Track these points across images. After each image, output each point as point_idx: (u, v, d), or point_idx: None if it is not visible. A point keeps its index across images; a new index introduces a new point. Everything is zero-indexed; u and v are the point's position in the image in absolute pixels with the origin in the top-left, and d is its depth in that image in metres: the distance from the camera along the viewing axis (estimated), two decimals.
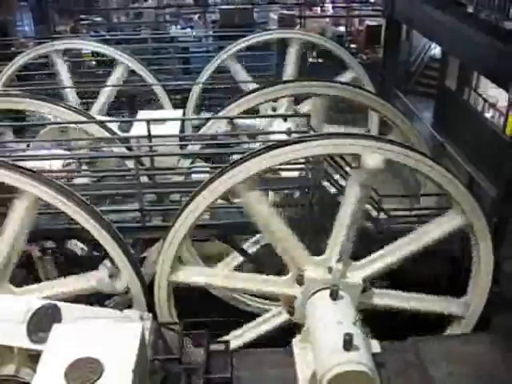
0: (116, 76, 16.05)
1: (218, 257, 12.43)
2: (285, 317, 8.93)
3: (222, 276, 9.44)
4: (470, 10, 13.88)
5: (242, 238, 11.95)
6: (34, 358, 6.72)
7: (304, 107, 14.77)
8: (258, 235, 12.14)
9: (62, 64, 16.18)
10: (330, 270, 8.42)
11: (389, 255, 8.80)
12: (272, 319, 9.42)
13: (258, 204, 8.35)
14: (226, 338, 9.07)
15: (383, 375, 7.34)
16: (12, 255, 8.63)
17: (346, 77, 15.94)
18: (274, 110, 15.16)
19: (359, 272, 8.67)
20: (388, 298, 8.97)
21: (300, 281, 8.46)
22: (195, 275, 9.07)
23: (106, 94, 15.66)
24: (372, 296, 8.83)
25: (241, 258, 12.08)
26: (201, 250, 12.40)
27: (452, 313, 9.28)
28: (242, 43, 16.21)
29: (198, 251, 12.32)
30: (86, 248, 11.46)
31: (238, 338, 9.35)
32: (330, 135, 8.33)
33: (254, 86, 14.87)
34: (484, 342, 8.31)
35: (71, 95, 15.77)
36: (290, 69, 15.99)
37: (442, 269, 10.87)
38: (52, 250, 11.09)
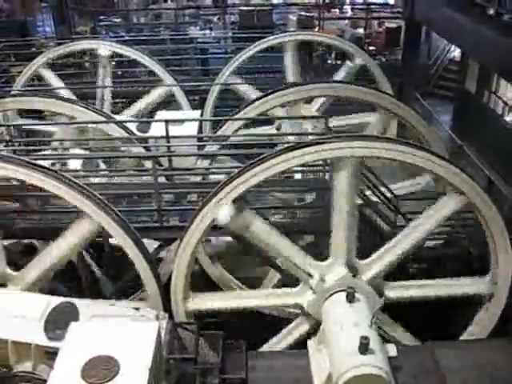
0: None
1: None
2: (308, 325, 8.90)
3: (235, 297, 9.44)
4: (491, 11, 13.78)
5: None
6: (50, 355, 6.77)
7: (314, 106, 14.74)
8: None
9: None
10: (339, 272, 8.45)
11: (395, 247, 8.75)
12: (296, 329, 9.21)
13: (253, 224, 8.41)
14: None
15: (399, 379, 7.29)
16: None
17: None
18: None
19: (369, 271, 8.67)
20: (410, 289, 8.93)
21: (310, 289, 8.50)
22: (209, 301, 9.04)
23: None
24: (392, 288, 8.83)
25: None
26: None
27: (480, 292, 9.13)
28: (260, 45, 16.21)
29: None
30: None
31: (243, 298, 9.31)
32: (349, 137, 8.31)
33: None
34: (500, 347, 8.23)
35: (107, 96, 15.88)
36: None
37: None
38: None
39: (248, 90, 15.85)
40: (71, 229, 8.71)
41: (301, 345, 8.70)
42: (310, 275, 8.58)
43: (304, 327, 9.00)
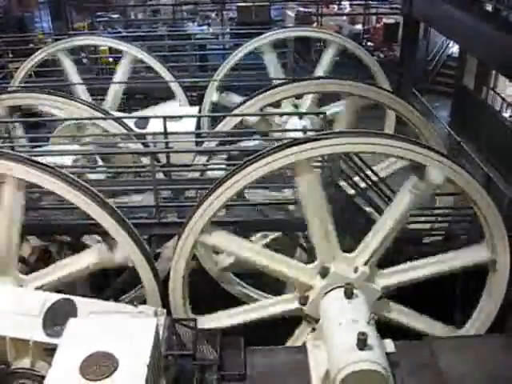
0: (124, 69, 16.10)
1: None
2: (295, 305, 8.82)
3: (251, 249, 9.04)
4: (489, 8, 13.77)
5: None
6: (49, 351, 6.78)
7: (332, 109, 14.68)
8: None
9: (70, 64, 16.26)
10: (356, 269, 8.45)
11: (414, 270, 8.79)
12: (281, 304, 9.10)
13: (311, 186, 8.31)
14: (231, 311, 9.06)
15: (397, 375, 7.31)
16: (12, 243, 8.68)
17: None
18: (296, 107, 15.15)
19: (382, 280, 8.67)
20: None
21: (324, 273, 8.44)
22: (226, 240, 8.82)
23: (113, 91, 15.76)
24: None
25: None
26: None
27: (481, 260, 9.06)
28: (258, 41, 16.18)
29: None
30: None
31: (240, 314, 9.14)
32: (346, 133, 8.31)
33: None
34: (499, 343, 8.24)
35: (82, 92, 15.85)
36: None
37: None
38: (69, 245, 11.21)
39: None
40: (91, 250, 8.88)
41: None
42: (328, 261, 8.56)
43: (290, 306, 8.93)
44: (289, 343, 9.12)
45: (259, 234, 12.53)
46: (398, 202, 8.54)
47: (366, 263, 8.50)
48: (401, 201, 8.50)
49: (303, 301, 8.60)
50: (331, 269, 8.43)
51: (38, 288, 8.63)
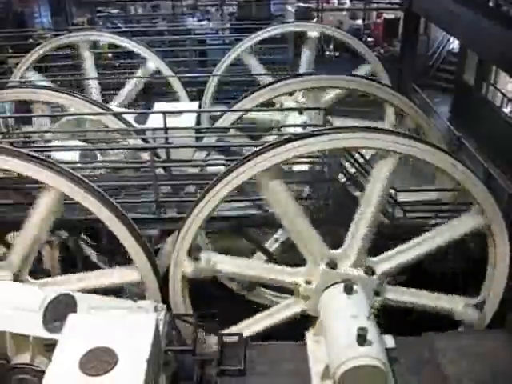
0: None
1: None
2: (298, 307, 8.86)
3: (243, 265, 9.15)
4: (490, 3, 13.74)
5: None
6: (49, 347, 6.79)
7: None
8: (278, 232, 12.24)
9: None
10: (350, 263, 8.45)
11: (405, 252, 8.77)
12: (285, 309, 9.17)
13: (280, 194, 8.31)
14: (238, 326, 9.04)
15: (397, 371, 7.33)
16: (33, 249, 8.72)
17: (364, 70, 15.84)
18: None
19: (378, 266, 8.64)
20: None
21: (315, 274, 8.44)
22: (219, 262, 8.89)
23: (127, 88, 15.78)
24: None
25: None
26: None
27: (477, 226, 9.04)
28: (258, 36, 16.16)
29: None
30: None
31: (249, 326, 9.16)
32: (346, 128, 8.30)
33: (270, 78, 14.83)
34: (499, 338, 8.25)
35: (94, 87, 15.82)
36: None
37: None
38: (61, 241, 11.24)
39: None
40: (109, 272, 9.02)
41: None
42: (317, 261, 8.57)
43: (294, 309, 8.95)
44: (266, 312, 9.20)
45: (270, 240, 12.52)
46: (449, 229, 8.68)
47: (356, 255, 8.48)
48: (375, 184, 8.44)
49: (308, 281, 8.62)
50: (320, 268, 8.44)
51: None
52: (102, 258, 11.79)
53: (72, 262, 11.04)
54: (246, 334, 8.74)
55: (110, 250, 10.84)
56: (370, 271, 8.47)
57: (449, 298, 9.11)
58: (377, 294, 8.54)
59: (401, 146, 8.16)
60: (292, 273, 8.81)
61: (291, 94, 14.19)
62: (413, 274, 9.48)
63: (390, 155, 8.24)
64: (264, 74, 15.88)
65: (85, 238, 11.91)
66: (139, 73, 16.08)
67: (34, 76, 15.81)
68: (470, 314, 9.06)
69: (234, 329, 8.96)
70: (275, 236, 12.53)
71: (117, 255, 10.29)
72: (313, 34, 16.30)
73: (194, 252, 8.71)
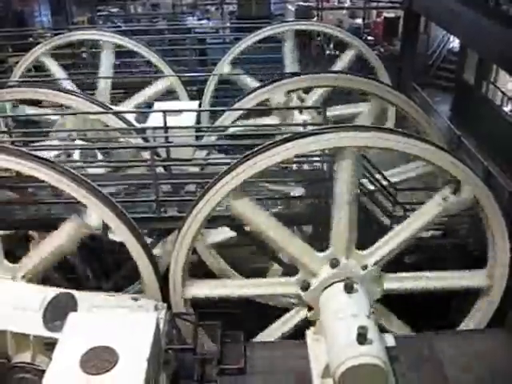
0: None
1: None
2: (295, 290, 8.88)
3: (236, 286, 9.40)
4: (490, 2, 13.73)
5: None
6: (49, 346, 6.79)
7: (312, 97, 14.70)
8: None
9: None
10: (364, 267, 8.54)
11: (416, 281, 8.94)
12: (282, 286, 9.18)
13: (253, 214, 8.46)
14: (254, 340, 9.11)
15: (397, 369, 7.34)
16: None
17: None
18: (302, 101, 15.12)
19: (385, 283, 8.77)
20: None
21: (334, 264, 8.48)
22: (208, 289, 9.06)
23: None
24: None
25: None
26: None
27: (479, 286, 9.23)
28: (258, 35, 16.14)
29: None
30: None
31: (240, 286, 9.29)
32: (346, 127, 8.31)
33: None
34: (498, 337, 8.27)
35: (105, 86, 15.81)
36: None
37: None
38: None
39: (247, 80, 15.82)
40: (70, 221, 8.73)
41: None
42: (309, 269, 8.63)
43: (299, 316, 9.05)
44: (274, 326, 9.26)
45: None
46: (425, 212, 8.67)
47: (375, 264, 8.58)
48: (428, 211, 8.63)
49: (304, 286, 8.64)
50: (341, 261, 8.47)
51: (29, 272, 8.72)
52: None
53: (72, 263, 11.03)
54: (227, 292, 9.03)
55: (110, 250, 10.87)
56: (363, 266, 8.58)
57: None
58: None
59: (400, 144, 8.16)
60: (288, 283, 8.90)
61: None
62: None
63: (347, 152, 8.21)
64: (263, 74, 15.87)
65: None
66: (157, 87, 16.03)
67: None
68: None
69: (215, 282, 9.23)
70: None
71: (117, 254, 10.32)
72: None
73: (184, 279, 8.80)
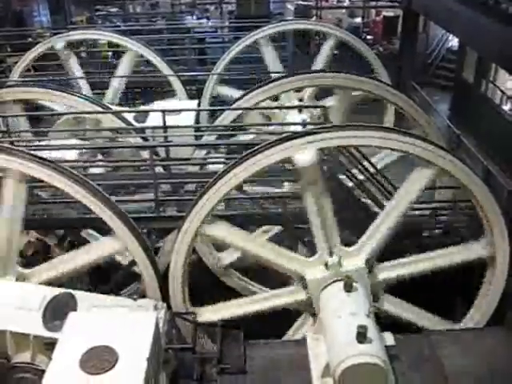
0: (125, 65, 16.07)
1: None
2: (296, 297, 8.83)
3: (253, 241, 9.10)
4: (489, 0, 13.72)
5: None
6: (49, 345, 6.79)
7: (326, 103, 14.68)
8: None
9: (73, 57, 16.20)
10: (356, 263, 8.48)
11: (414, 264, 8.83)
12: (285, 296, 9.05)
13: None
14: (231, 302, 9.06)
15: (397, 368, 7.34)
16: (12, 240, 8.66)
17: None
18: (301, 100, 15.12)
19: (382, 273, 8.71)
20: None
21: (304, 286, 8.50)
22: (228, 233, 8.79)
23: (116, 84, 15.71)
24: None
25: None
26: None
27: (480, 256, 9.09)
28: (258, 34, 16.14)
29: None
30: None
31: (243, 306, 9.14)
32: (345, 127, 8.30)
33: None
34: (498, 336, 8.27)
35: (85, 86, 15.79)
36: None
37: None
38: (69, 240, 11.22)
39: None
40: (97, 245, 8.87)
41: None
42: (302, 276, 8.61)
43: (293, 297, 8.92)
44: (290, 333, 9.19)
45: (260, 230, 12.55)
46: (403, 195, 8.54)
47: (366, 257, 8.51)
48: (406, 193, 8.50)
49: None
50: (330, 262, 8.44)
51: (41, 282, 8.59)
52: None
53: None
54: (238, 312, 8.86)
55: None
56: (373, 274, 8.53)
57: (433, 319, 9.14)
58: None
59: (400, 143, 8.16)
60: (301, 261, 8.75)
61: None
62: None
63: (430, 167, 8.24)
64: (264, 73, 15.88)
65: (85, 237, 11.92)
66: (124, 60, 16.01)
67: None
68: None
69: (222, 305, 8.97)
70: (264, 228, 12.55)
71: None
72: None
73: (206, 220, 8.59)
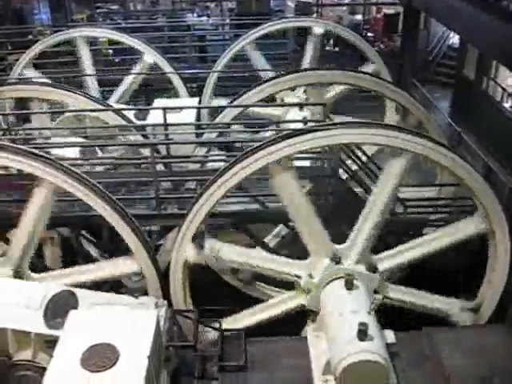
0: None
1: None
2: (298, 301, 8.83)
3: (245, 254, 9.09)
4: None
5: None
6: (50, 343, 6.79)
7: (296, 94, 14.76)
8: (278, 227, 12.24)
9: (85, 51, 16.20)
10: (350, 259, 8.46)
11: (409, 251, 8.79)
12: (285, 303, 9.08)
13: (290, 186, 8.29)
14: (237, 316, 9.05)
15: (397, 365, 7.34)
16: (31, 243, 8.74)
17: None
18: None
19: (380, 264, 8.63)
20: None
21: (318, 268, 8.42)
22: (222, 250, 8.82)
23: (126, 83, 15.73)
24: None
25: None
26: None
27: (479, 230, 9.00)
28: (258, 31, 16.13)
29: None
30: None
31: (247, 317, 9.14)
32: (347, 124, 8.29)
33: (270, 74, 14.84)
34: (499, 333, 8.25)
35: (91, 83, 15.80)
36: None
37: None
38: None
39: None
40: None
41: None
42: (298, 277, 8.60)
43: (293, 303, 8.90)
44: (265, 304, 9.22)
45: (271, 235, 12.54)
46: (384, 183, 8.46)
47: (359, 252, 8.47)
48: (387, 181, 8.42)
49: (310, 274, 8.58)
50: (324, 263, 8.42)
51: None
52: (103, 255, 11.80)
53: (73, 259, 11.04)
54: (243, 324, 8.82)
55: (111, 247, 10.87)
56: (372, 268, 8.47)
57: (445, 300, 9.10)
58: (376, 292, 8.52)
59: (402, 141, 8.14)
60: (295, 265, 8.78)
61: (293, 89, 14.19)
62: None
63: (403, 154, 8.19)
64: (265, 70, 15.88)
65: (86, 234, 11.94)
66: (137, 68, 16.04)
67: (30, 73, 15.76)
68: (465, 317, 9.07)
69: (231, 319, 8.97)
70: (275, 231, 12.55)
71: (118, 252, 10.31)
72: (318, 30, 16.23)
73: (198, 239, 8.66)
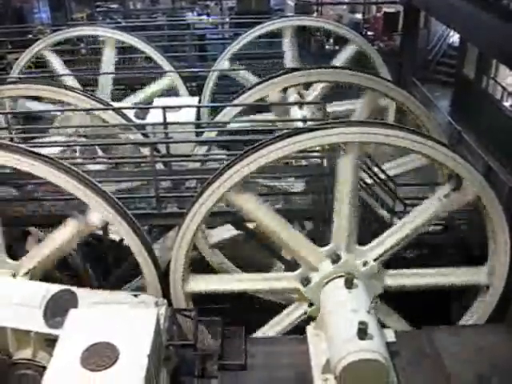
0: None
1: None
2: (302, 310, 8.93)
3: (235, 280, 9.41)
4: None
5: None
6: (50, 342, 6.80)
7: (311, 93, 14.68)
8: None
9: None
10: (365, 263, 8.53)
11: (417, 278, 8.96)
12: (283, 280, 9.14)
13: (256, 209, 8.43)
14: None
15: (397, 364, 7.34)
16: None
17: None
18: (301, 97, 15.07)
19: (386, 279, 8.78)
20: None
21: (335, 260, 8.49)
22: (208, 284, 9.08)
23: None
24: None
25: None
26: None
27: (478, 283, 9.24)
28: (258, 30, 16.11)
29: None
30: None
31: (242, 281, 9.30)
32: (348, 123, 8.29)
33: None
34: (499, 332, 8.26)
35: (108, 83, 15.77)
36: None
37: None
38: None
39: (246, 76, 15.80)
40: (72, 219, 8.74)
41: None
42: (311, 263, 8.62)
43: (298, 312, 9.04)
44: (274, 321, 9.28)
45: None
46: (425, 208, 8.64)
47: (376, 259, 8.57)
48: (428, 207, 8.61)
49: (305, 282, 8.64)
50: (342, 256, 8.47)
51: (31, 270, 8.75)
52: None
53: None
54: (233, 287, 9.11)
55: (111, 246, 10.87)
56: (364, 262, 8.59)
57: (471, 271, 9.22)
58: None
59: (401, 140, 8.15)
60: (288, 278, 8.90)
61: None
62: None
63: (350, 148, 8.19)
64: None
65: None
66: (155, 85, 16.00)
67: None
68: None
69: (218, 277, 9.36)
70: None
71: (118, 251, 10.33)
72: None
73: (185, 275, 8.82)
